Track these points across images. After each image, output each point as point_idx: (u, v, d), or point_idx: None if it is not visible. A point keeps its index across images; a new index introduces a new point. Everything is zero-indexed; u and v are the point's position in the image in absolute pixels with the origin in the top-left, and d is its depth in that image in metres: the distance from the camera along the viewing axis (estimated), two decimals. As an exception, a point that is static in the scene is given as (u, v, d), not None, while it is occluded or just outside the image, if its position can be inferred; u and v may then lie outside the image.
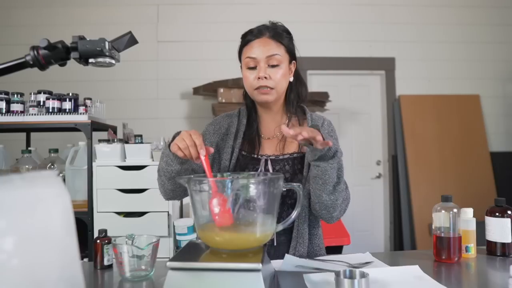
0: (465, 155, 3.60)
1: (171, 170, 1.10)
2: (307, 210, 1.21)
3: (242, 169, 1.21)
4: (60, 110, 2.16)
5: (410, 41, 3.76)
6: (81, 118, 2.14)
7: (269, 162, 1.22)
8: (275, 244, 1.20)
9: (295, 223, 1.19)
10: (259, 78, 1.17)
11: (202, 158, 0.98)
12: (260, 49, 1.18)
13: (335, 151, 1.06)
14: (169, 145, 1.08)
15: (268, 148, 1.26)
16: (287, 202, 1.20)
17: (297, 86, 1.29)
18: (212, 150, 1.02)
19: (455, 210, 1.11)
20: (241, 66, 1.25)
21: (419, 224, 3.45)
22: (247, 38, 1.21)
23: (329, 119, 1.35)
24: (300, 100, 1.30)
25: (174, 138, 1.07)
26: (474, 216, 1.18)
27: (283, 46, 1.20)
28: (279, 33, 1.21)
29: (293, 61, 1.26)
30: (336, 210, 1.13)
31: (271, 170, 1.21)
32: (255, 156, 1.23)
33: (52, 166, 2.23)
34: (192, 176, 0.99)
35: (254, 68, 1.19)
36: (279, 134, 1.27)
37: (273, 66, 1.18)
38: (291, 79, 1.26)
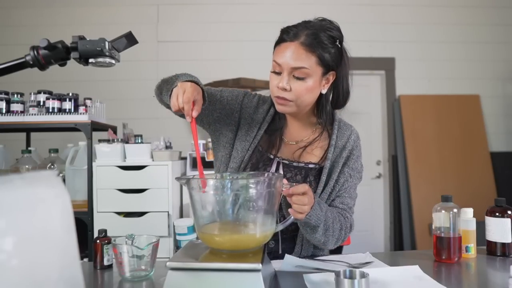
0: (465, 155, 3.60)
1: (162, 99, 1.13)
2: None
3: (254, 166, 1.16)
4: (60, 110, 2.16)
5: (410, 41, 3.76)
6: (81, 118, 2.14)
7: (281, 166, 1.17)
8: (280, 251, 1.16)
9: (297, 242, 1.17)
10: (279, 87, 1.08)
11: (192, 116, 0.96)
12: (288, 56, 1.05)
13: (314, 226, 1.04)
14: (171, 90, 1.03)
15: (285, 152, 1.20)
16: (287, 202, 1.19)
17: (336, 95, 1.18)
18: (194, 116, 0.96)
19: (455, 210, 1.11)
20: None
21: (419, 224, 3.45)
22: (283, 36, 1.09)
23: (357, 131, 1.25)
24: (335, 107, 1.22)
25: (171, 81, 1.06)
26: (474, 216, 1.18)
27: (316, 57, 1.06)
28: (317, 41, 1.06)
29: (331, 72, 1.12)
30: (329, 245, 1.13)
31: None
32: (270, 156, 1.18)
33: (52, 166, 2.23)
34: (191, 176, 0.99)
35: (278, 73, 1.09)
36: (300, 141, 1.21)
37: (298, 78, 1.07)
38: (324, 91, 1.14)
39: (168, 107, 1.10)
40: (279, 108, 1.13)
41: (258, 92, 1.30)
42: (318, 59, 1.07)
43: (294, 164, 1.17)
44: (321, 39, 1.07)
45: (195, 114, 0.96)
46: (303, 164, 1.17)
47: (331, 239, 1.10)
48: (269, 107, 1.22)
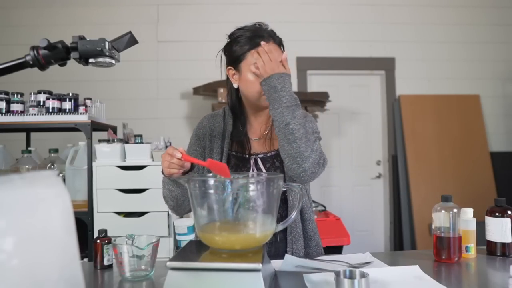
0: (465, 155, 3.60)
1: (175, 195, 1.17)
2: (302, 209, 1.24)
3: (234, 169, 1.22)
4: (60, 110, 2.16)
5: (410, 41, 3.76)
6: (81, 118, 2.14)
7: (259, 161, 1.23)
8: (278, 240, 1.21)
9: (290, 225, 1.20)
10: None
11: (178, 156, 1.01)
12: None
13: (281, 85, 1.09)
14: (162, 173, 1.14)
15: (257, 147, 1.28)
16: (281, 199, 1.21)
17: None
18: (181, 149, 1.03)
19: (455, 210, 1.11)
20: (233, 65, 1.21)
21: (419, 224, 3.45)
22: (256, 41, 1.17)
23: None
24: None
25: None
26: (474, 216, 1.18)
27: (282, 52, 1.21)
28: (280, 40, 1.23)
29: None
30: (304, 161, 1.07)
31: (262, 168, 1.21)
32: (246, 156, 1.25)
33: (52, 166, 2.23)
34: (192, 176, 0.99)
35: None
36: (266, 134, 1.29)
37: None
38: None
39: (184, 191, 1.17)
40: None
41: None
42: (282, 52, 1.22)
43: (268, 154, 1.25)
44: (280, 38, 1.23)
45: (178, 155, 1.01)
46: (275, 152, 1.25)
47: (302, 148, 1.07)
48: (223, 118, 1.30)
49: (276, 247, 1.22)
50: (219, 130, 1.28)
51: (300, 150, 1.07)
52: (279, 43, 1.22)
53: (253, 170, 1.21)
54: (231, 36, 1.23)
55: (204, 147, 1.28)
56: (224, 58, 1.27)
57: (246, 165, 1.23)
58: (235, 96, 1.28)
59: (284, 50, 1.23)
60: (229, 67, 1.23)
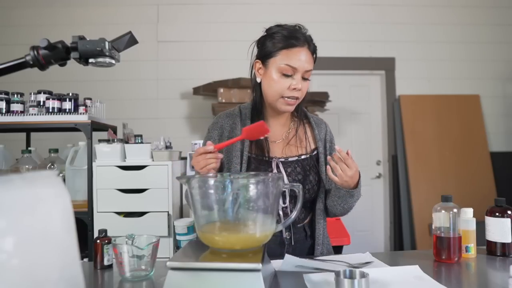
0: (465, 155, 3.60)
1: None
2: (323, 213, 1.28)
3: (255, 172, 1.20)
4: (60, 110, 2.16)
5: (410, 41, 3.76)
6: (81, 118, 2.14)
7: (280, 165, 1.22)
8: (292, 243, 1.21)
9: (318, 228, 1.23)
10: (294, 88, 1.16)
11: (211, 149, 1.05)
12: (304, 60, 1.16)
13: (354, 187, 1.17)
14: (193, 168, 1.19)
15: (276, 151, 1.26)
16: (291, 201, 1.22)
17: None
18: (209, 142, 1.08)
19: (455, 210, 1.11)
20: (262, 59, 1.20)
21: (419, 224, 3.45)
22: (291, 41, 1.16)
23: (326, 120, 1.40)
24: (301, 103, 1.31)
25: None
26: (474, 216, 1.18)
27: (314, 61, 1.22)
28: (315, 47, 1.22)
29: None
30: (350, 211, 1.27)
31: (283, 172, 1.20)
32: (266, 158, 1.23)
33: (52, 166, 2.23)
34: (192, 175, 0.99)
35: (289, 76, 1.17)
36: (284, 138, 1.28)
37: (305, 79, 1.19)
38: None
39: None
40: (286, 108, 1.20)
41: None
42: (314, 62, 1.24)
43: (290, 159, 1.24)
44: (315, 46, 1.24)
45: (210, 147, 1.05)
46: (296, 157, 1.25)
47: (355, 203, 1.24)
48: (239, 118, 1.28)
49: (294, 248, 1.22)
50: (237, 131, 1.24)
51: (350, 211, 1.26)
52: (313, 50, 1.21)
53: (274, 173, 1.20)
54: (268, 30, 1.21)
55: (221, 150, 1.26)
56: (255, 52, 1.26)
57: (267, 168, 1.21)
58: (259, 92, 1.25)
59: (316, 59, 1.23)
60: (257, 60, 1.22)
